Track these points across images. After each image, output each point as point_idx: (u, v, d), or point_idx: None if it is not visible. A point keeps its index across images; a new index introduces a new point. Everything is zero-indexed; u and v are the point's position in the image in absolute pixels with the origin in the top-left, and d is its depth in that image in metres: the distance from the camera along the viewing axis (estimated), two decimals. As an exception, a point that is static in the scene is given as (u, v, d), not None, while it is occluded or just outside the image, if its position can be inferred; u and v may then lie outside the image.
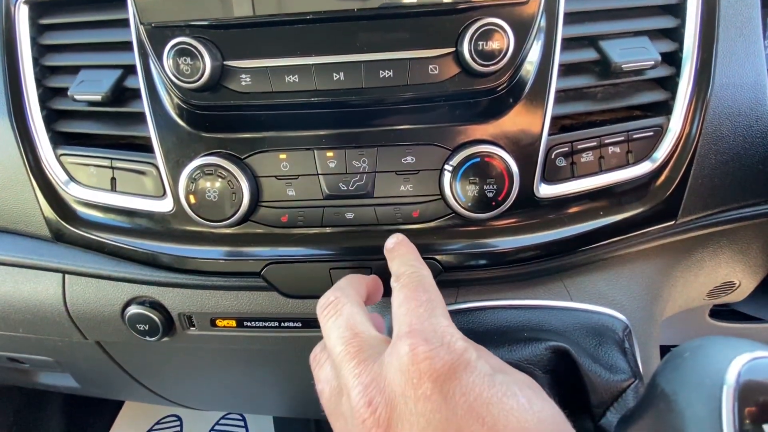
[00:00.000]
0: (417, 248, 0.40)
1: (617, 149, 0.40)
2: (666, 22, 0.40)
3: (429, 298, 0.28)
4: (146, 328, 0.47)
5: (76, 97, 0.41)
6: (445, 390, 0.23)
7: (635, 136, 0.40)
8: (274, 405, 0.76)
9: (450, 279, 0.41)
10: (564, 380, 0.35)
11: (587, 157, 0.39)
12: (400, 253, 0.34)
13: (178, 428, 1.26)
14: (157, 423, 1.27)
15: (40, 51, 0.44)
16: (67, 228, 0.44)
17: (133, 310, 0.47)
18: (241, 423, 1.27)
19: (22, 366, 0.68)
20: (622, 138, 0.39)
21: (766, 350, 0.18)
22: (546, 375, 0.35)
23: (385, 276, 0.36)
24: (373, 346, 0.27)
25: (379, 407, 0.24)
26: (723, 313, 0.68)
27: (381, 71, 0.36)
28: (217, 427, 1.26)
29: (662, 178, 0.41)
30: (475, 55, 0.34)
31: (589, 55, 0.39)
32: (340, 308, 0.29)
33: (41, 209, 0.44)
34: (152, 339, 0.48)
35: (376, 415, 0.24)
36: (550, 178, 0.39)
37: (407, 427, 0.23)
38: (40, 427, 1.05)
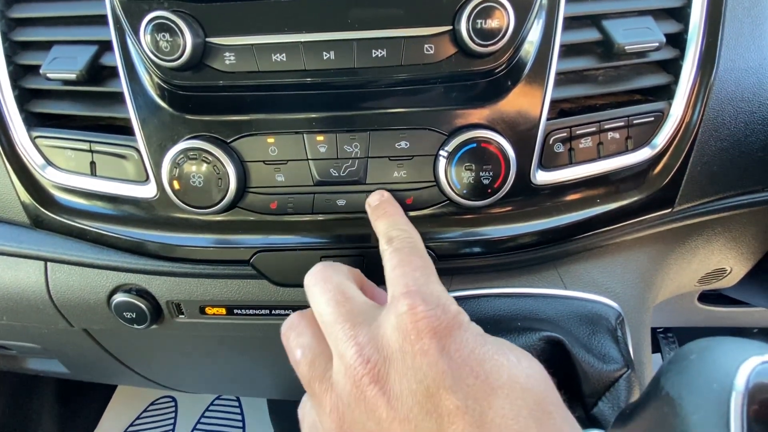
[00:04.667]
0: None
1: (617, 135, 0.39)
2: (672, 1, 0.38)
3: (424, 263, 0.28)
4: (133, 316, 0.46)
5: (49, 75, 0.39)
6: (441, 345, 0.24)
7: (635, 122, 0.39)
8: (266, 388, 0.77)
9: (444, 267, 0.41)
10: (557, 370, 0.35)
11: (586, 143, 0.38)
12: (388, 212, 0.33)
13: (173, 409, 1.28)
14: (152, 404, 1.28)
15: (8, 25, 0.41)
16: (46, 214, 0.42)
17: (120, 298, 0.46)
18: (236, 404, 1.28)
19: (9, 352, 0.67)
20: (622, 123, 0.38)
21: None
22: (539, 366, 0.35)
23: (379, 265, 0.35)
24: (365, 312, 0.27)
25: (378, 364, 0.24)
26: (711, 297, 0.69)
27: (374, 50, 0.34)
28: (211, 408, 1.28)
29: (661, 165, 0.40)
30: (473, 34, 0.32)
31: (591, 35, 0.38)
32: (329, 276, 0.29)
33: (18, 194, 0.42)
34: (140, 327, 0.47)
35: (375, 371, 0.24)
36: (547, 164, 0.38)
37: (405, 382, 0.23)
38: (34, 409, 1.05)
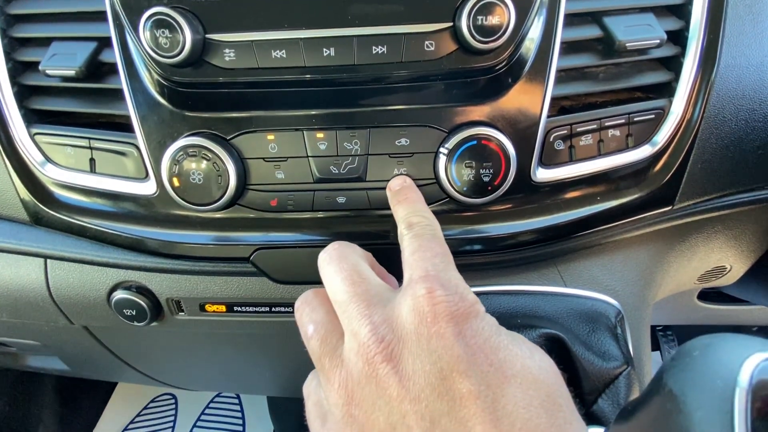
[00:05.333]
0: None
1: (617, 132, 0.38)
2: (673, -2, 0.38)
3: (444, 251, 0.28)
4: (134, 314, 0.46)
5: (49, 72, 0.38)
6: (457, 330, 0.24)
7: (636, 119, 0.38)
8: (266, 385, 0.77)
9: (444, 264, 0.41)
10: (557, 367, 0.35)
11: (586, 141, 0.38)
12: (409, 199, 0.33)
13: (173, 407, 1.28)
14: (152, 401, 1.29)
15: (7, 21, 0.41)
16: (46, 211, 0.42)
17: (120, 295, 0.46)
18: (236, 401, 1.29)
19: (9, 350, 0.67)
20: (623, 121, 0.38)
21: None
22: (539, 363, 0.35)
23: (382, 261, 0.35)
24: (380, 293, 0.27)
25: (392, 343, 0.24)
26: (711, 295, 0.69)
27: (374, 47, 0.34)
28: (211, 405, 1.28)
29: (661, 162, 0.40)
30: (473, 31, 0.32)
31: (592, 32, 0.37)
32: (345, 255, 0.29)
33: (17, 191, 0.42)
34: (140, 324, 0.47)
35: (389, 349, 0.24)
36: (547, 161, 0.38)
37: (418, 363, 0.23)
38: (34, 406, 1.05)
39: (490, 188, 0.36)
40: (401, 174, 0.36)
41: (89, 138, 0.40)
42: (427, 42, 0.34)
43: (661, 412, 0.19)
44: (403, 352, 0.24)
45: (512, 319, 0.38)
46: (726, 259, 0.52)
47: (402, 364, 0.23)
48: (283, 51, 0.34)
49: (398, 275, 0.30)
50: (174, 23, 0.32)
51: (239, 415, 1.25)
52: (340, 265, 0.28)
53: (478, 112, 0.36)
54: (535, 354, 0.25)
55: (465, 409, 0.22)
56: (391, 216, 0.39)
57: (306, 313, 0.29)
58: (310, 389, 0.29)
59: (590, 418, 0.35)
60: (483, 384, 0.22)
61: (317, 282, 0.31)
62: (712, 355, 0.18)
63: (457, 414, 0.22)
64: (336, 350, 0.26)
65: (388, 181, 0.37)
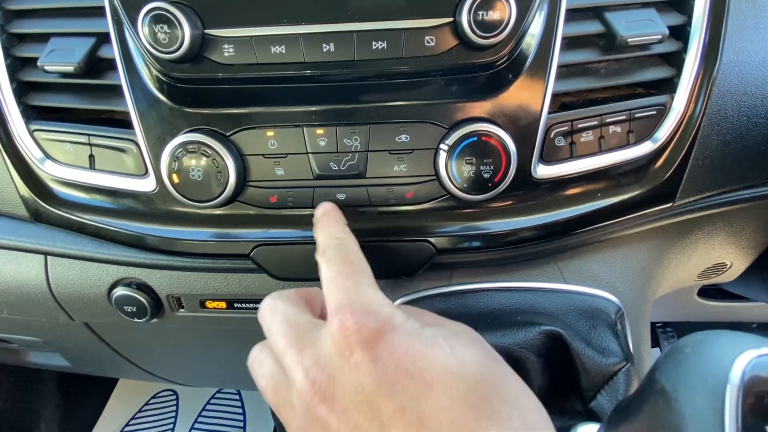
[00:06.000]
0: (411, 230, 0.39)
1: (618, 128, 0.38)
2: (675, -7, 0.38)
3: (354, 270, 0.29)
4: (134, 310, 0.46)
5: (47, 68, 0.38)
6: (373, 354, 0.25)
7: (637, 115, 0.38)
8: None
9: (444, 261, 0.41)
10: (556, 364, 0.35)
11: (587, 137, 0.38)
12: (324, 224, 0.34)
13: (174, 403, 1.29)
14: (153, 397, 1.29)
15: (5, 16, 0.40)
16: (45, 208, 0.42)
17: (120, 291, 0.46)
18: (237, 397, 1.29)
19: (11, 346, 0.67)
20: (624, 117, 0.38)
21: None
22: (539, 359, 0.35)
23: (380, 256, 0.35)
24: (310, 332, 0.28)
25: (322, 384, 0.25)
26: (711, 291, 0.69)
27: (374, 42, 0.34)
28: (212, 401, 1.28)
29: (662, 159, 0.40)
30: (474, 26, 0.32)
31: (593, 27, 0.37)
32: (274, 308, 0.31)
33: (17, 188, 0.42)
34: (141, 321, 0.47)
35: (321, 392, 0.25)
36: (548, 158, 0.38)
37: (347, 395, 0.25)
38: (36, 402, 1.06)
39: (490, 185, 0.36)
40: (327, 201, 0.37)
41: (88, 134, 0.39)
42: (427, 37, 0.33)
43: (654, 408, 0.19)
44: (335, 390, 0.25)
45: (512, 316, 0.38)
46: (726, 255, 0.52)
47: (336, 401, 0.25)
48: (283, 46, 0.34)
49: (396, 272, 0.31)
50: (172, 18, 0.32)
51: (240, 410, 1.26)
52: (272, 318, 0.30)
53: (479, 108, 0.36)
54: (456, 349, 0.25)
55: (394, 428, 0.23)
56: (391, 213, 0.39)
57: (256, 368, 0.31)
58: None
59: (589, 414, 0.35)
60: (407, 399, 0.23)
61: (316, 278, 0.31)
62: (704, 352, 0.18)
63: None
64: (287, 399, 0.28)
65: (389, 178, 0.37)
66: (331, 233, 0.32)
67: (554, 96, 0.37)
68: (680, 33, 0.38)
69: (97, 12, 0.37)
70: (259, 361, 0.31)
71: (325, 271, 0.30)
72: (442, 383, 0.24)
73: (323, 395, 0.25)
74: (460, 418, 0.23)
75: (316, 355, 0.27)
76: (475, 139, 0.35)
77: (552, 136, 0.37)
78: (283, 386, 0.28)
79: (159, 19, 0.32)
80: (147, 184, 0.39)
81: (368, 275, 0.29)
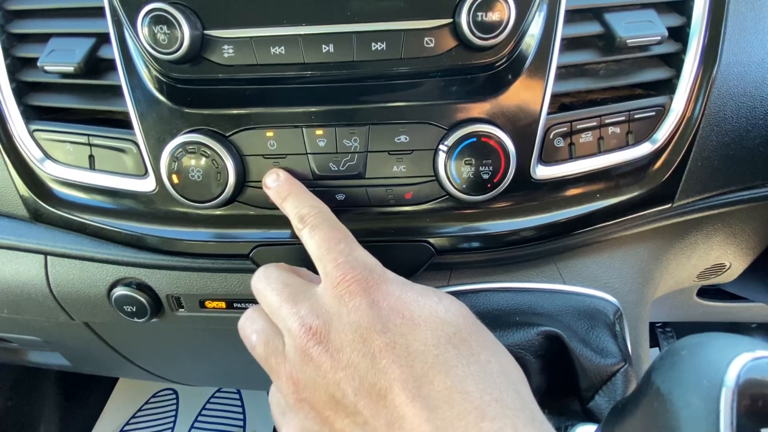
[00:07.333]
0: (410, 231, 0.39)
1: (617, 129, 0.38)
2: (674, -6, 0.38)
3: (344, 234, 0.31)
4: (134, 310, 0.46)
5: (47, 68, 0.38)
6: (370, 299, 0.27)
7: (636, 116, 0.38)
8: (266, 381, 0.77)
9: (442, 262, 0.41)
10: (555, 364, 0.35)
11: (586, 138, 0.38)
12: (293, 192, 0.35)
13: (174, 402, 1.29)
14: (153, 396, 1.29)
15: (5, 17, 0.40)
16: (45, 208, 0.42)
17: (120, 291, 0.46)
18: (237, 396, 1.29)
19: (11, 345, 0.67)
20: (623, 118, 0.38)
21: (766, 350, 0.17)
22: (537, 360, 0.36)
23: (379, 257, 0.35)
24: (305, 290, 0.30)
25: (318, 328, 0.27)
26: (710, 292, 0.69)
27: (373, 43, 0.34)
28: (212, 400, 1.29)
29: (661, 160, 0.40)
30: (473, 27, 0.32)
31: (593, 28, 0.37)
32: (269, 272, 0.32)
33: (16, 188, 0.42)
34: (140, 320, 0.47)
35: (317, 335, 0.27)
36: (547, 159, 0.38)
37: (343, 336, 0.27)
38: (36, 401, 1.06)
39: (489, 185, 0.36)
40: (275, 169, 0.37)
41: (88, 134, 0.39)
42: (426, 38, 0.33)
43: (649, 410, 0.19)
44: (330, 332, 0.27)
45: (511, 317, 0.38)
46: (725, 256, 0.52)
47: (331, 341, 0.27)
48: (282, 47, 0.34)
49: (395, 272, 0.31)
50: (172, 19, 0.32)
51: (240, 409, 1.26)
52: (266, 281, 0.31)
53: (478, 109, 0.36)
54: (443, 300, 0.28)
55: (384, 359, 0.25)
56: (390, 213, 0.39)
57: (247, 326, 0.32)
58: (271, 397, 0.32)
59: (587, 415, 0.35)
60: (397, 335, 0.26)
61: (316, 279, 0.31)
62: (699, 355, 0.19)
63: (378, 365, 0.25)
64: (278, 349, 0.29)
65: (388, 178, 0.37)
66: (302, 201, 0.34)
67: (553, 97, 0.37)
68: (679, 34, 0.38)
69: (97, 12, 0.37)
70: (251, 319, 0.32)
71: (314, 237, 0.31)
72: (429, 323, 0.27)
73: (319, 338, 0.27)
74: (444, 354, 0.25)
75: (312, 306, 0.28)
76: (475, 139, 0.35)
77: (551, 136, 0.37)
78: (274, 339, 0.30)
79: (158, 19, 0.32)
80: (147, 185, 0.40)
81: (354, 238, 0.31)
